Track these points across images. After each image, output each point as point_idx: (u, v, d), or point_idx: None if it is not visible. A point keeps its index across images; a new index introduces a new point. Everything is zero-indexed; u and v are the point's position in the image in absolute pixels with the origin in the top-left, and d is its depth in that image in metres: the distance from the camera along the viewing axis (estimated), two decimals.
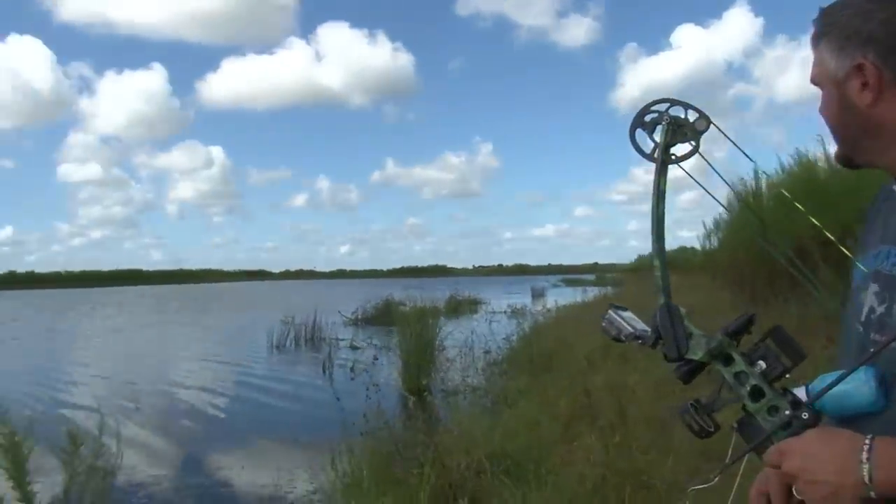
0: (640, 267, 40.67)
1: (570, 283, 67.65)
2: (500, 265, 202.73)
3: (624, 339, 1.05)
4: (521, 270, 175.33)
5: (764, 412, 0.93)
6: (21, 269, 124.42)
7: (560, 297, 31.33)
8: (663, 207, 1.08)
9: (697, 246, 12.85)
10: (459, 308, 29.25)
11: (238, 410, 9.82)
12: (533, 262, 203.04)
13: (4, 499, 2.14)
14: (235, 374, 13.37)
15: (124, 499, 5.64)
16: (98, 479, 1.96)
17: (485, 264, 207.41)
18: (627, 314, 1.09)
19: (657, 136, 1.09)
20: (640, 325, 1.06)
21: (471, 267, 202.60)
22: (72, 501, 1.98)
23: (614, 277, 52.99)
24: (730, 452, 0.97)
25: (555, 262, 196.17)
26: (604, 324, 1.08)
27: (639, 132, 1.11)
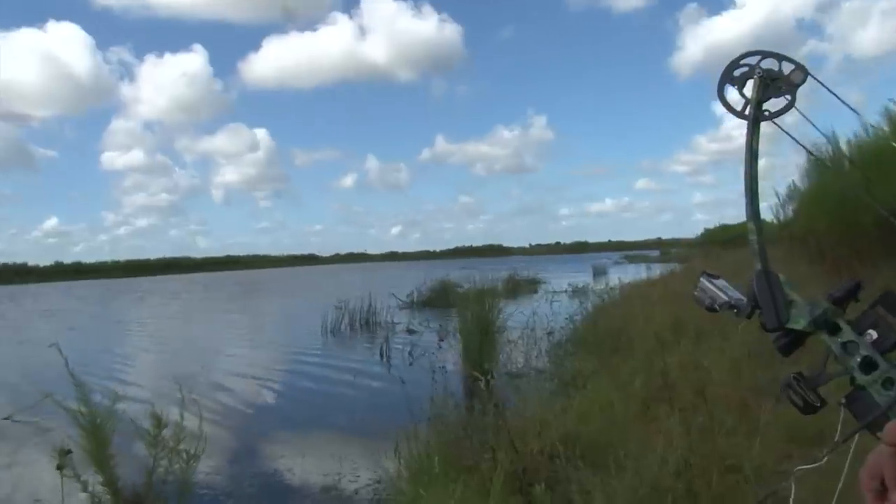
0: (706, 241, 39.82)
1: (633, 259, 66.70)
2: (558, 243, 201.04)
3: (718, 308, 1.03)
4: (581, 248, 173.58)
5: (878, 385, 0.88)
6: (67, 260, 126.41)
7: (623, 274, 30.95)
8: (756, 168, 1.06)
9: (770, 217, 12.49)
10: (518, 289, 29.48)
11: (295, 397, 10.11)
12: (592, 239, 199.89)
13: (88, 483, 2.24)
14: (290, 360, 13.74)
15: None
16: (182, 463, 2.04)
17: (542, 242, 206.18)
18: (721, 282, 1.07)
19: (748, 91, 1.07)
20: (735, 294, 1.04)
21: (527, 245, 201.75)
22: (155, 485, 2.06)
23: (679, 253, 52.15)
24: (839, 430, 0.93)
25: (615, 238, 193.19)
26: (696, 292, 1.06)
27: (727, 87, 1.08)
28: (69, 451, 2.30)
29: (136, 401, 7.35)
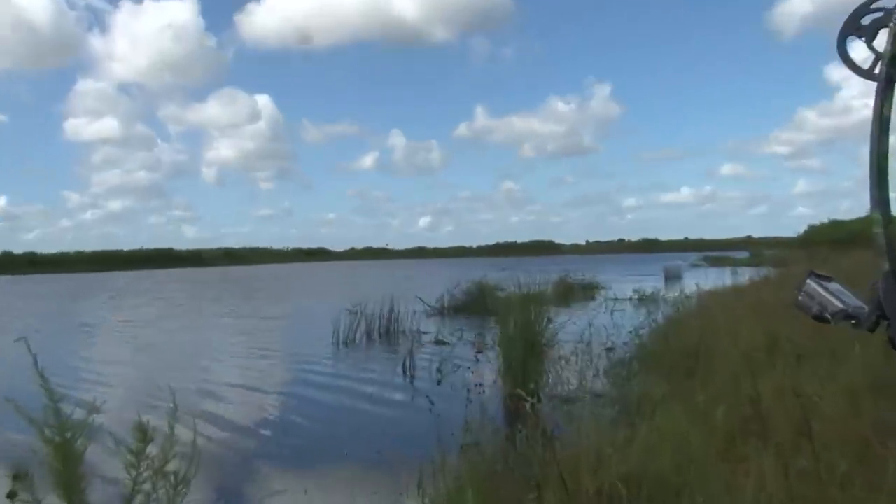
0: (810, 240, 39.22)
1: (715, 262, 66.19)
2: (622, 240, 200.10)
3: (830, 317, 1.01)
4: (650, 247, 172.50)
5: None
6: (18, 250, 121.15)
7: (702, 279, 30.77)
8: (887, 143, 1.01)
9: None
10: (572, 294, 29.67)
11: (299, 419, 10.22)
12: (664, 236, 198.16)
13: None
14: (294, 375, 13.93)
15: None
16: (168, 489, 2.08)
17: (601, 239, 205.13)
18: (834, 285, 1.05)
19: (880, 44, 1.02)
20: (854, 301, 1.01)
21: (583, 243, 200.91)
22: None
23: (775, 255, 51.50)
24: None
25: (693, 235, 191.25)
26: (800, 297, 1.04)
27: (851, 40, 1.04)
28: (25, 475, 2.32)
29: (111, 414, 7.47)
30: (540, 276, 16.97)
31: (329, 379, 13.23)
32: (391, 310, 19.38)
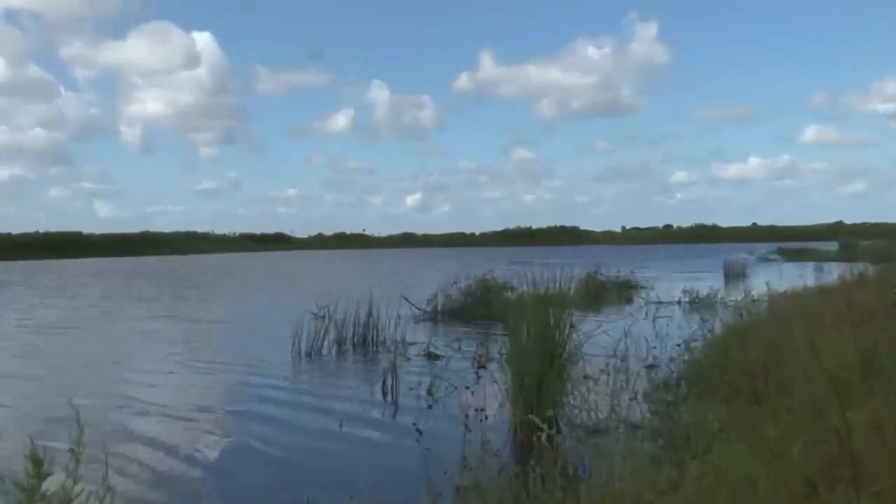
0: None
1: (793, 255, 66.58)
2: (669, 227, 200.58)
3: None
4: (706, 235, 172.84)
5: None
6: None
7: (774, 278, 30.82)
8: None
9: None
10: (602, 295, 29.97)
11: (246, 455, 10.23)
12: (725, 222, 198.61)
13: None
14: (240, 397, 13.95)
15: None
16: None
17: (643, 225, 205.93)
18: None
19: None
20: None
21: (618, 229, 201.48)
22: None
23: (874, 247, 51.41)
24: None
25: (764, 220, 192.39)
26: None
27: None
28: None
29: None
30: (562, 271, 16.96)
31: (287, 402, 13.23)
32: (369, 313, 19.49)
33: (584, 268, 31.42)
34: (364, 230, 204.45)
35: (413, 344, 18.38)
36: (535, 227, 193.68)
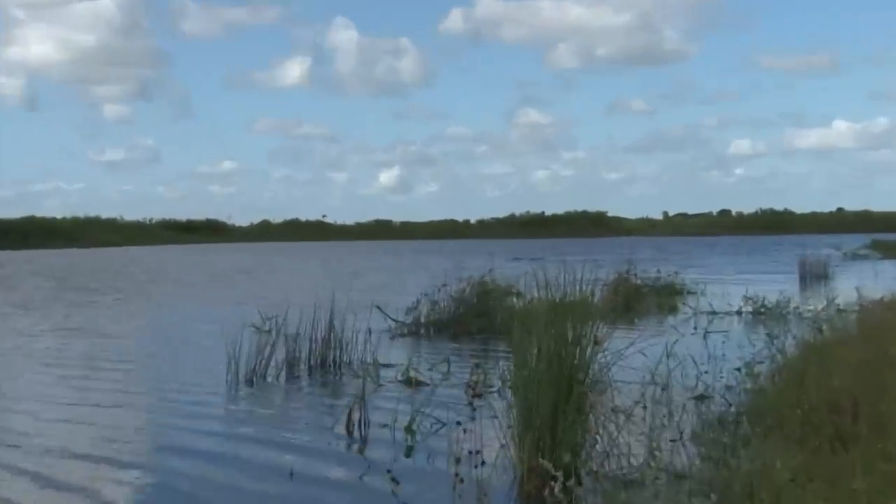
0: None
1: (892, 250, 66.24)
2: (727, 213, 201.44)
3: None
4: (775, 223, 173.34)
5: None
6: None
7: (868, 280, 30.79)
8: None
9: None
10: (637, 302, 30.06)
11: None
12: (801, 207, 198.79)
13: None
14: (156, 438, 13.89)
15: None
16: None
17: (691, 211, 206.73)
18: None
19: None
20: None
21: (658, 216, 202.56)
22: None
23: None
24: None
25: (852, 205, 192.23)
26: None
27: None
28: None
29: None
30: (584, 270, 16.89)
31: (218, 443, 13.16)
32: (330, 326, 19.45)
33: (613, 266, 31.48)
34: (324, 217, 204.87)
35: (388, 366, 18.33)
36: (548, 212, 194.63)
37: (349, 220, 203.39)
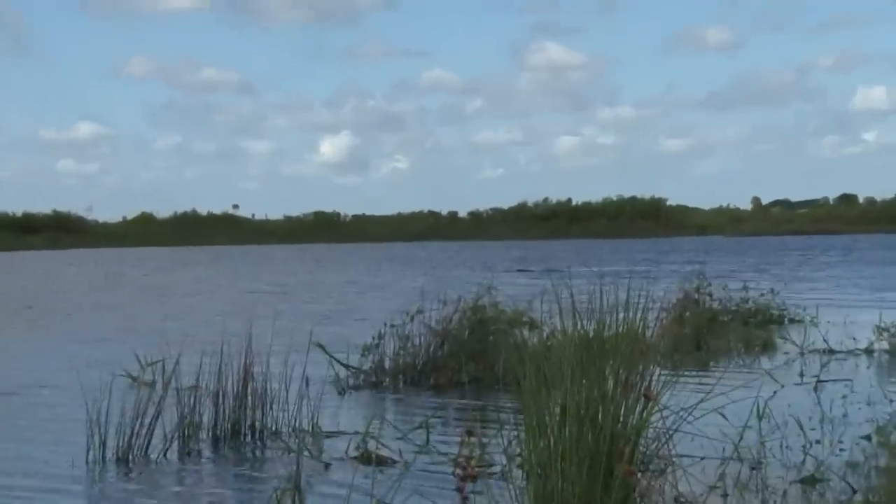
0: None
1: None
2: (850, 198, 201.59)
3: None
4: None
5: None
6: None
7: None
8: None
9: None
10: (712, 335, 29.86)
11: None
12: None
13: None
14: None
15: None
16: None
17: (795, 197, 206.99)
18: None
19: None
20: None
21: (745, 205, 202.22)
22: None
23: None
24: None
25: None
26: None
27: None
28: None
29: None
30: (631, 287, 16.99)
31: None
32: (246, 374, 19.35)
33: (675, 282, 31.55)
34: (235, 207, 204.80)
35: (336, 435, 18.44)
36: (577, 200, 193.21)
37: (273, 213, 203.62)
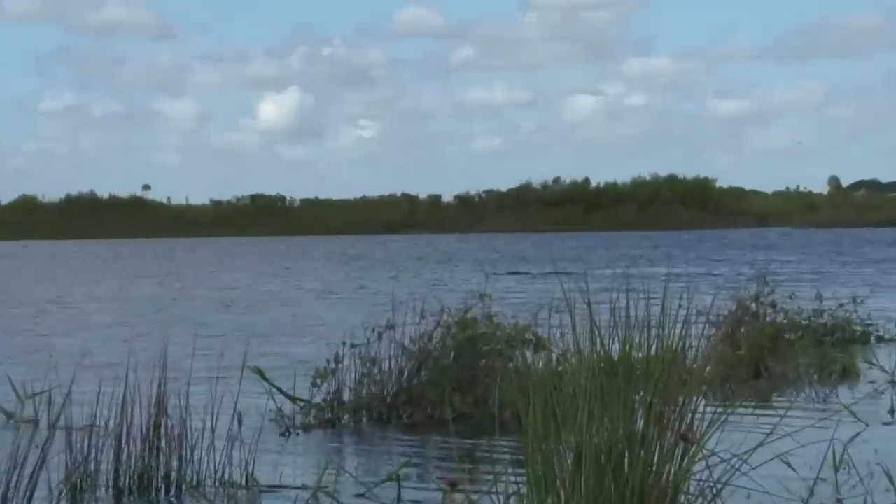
0: None
1: None
2: None
3: None
4: None
5: None
6: None
7: None
8: None
9: None
10: (775, 358, 29.90)
11: None
12: None
13: None
14: None
15: None
16: None
17: (884, 178, 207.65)
18: None
19: None
20: None
21: (821, 188, 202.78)
22: None
23: None
24: None
25: None
26: None
27: None
28: None
29: None
30: (668, 294, 17.06)
31: None
32: (159, 409, 19.34)
33: (725, 285, 31.61)
34: (146, 189, 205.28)
35: (277, 490, 18.47)
36: (597, 181, 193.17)
37: (197, 197, 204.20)
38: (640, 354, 12.77)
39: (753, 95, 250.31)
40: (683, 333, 13.10)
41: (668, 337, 12.78)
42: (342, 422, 24.44)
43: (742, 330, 30.47)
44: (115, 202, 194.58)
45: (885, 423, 21.26)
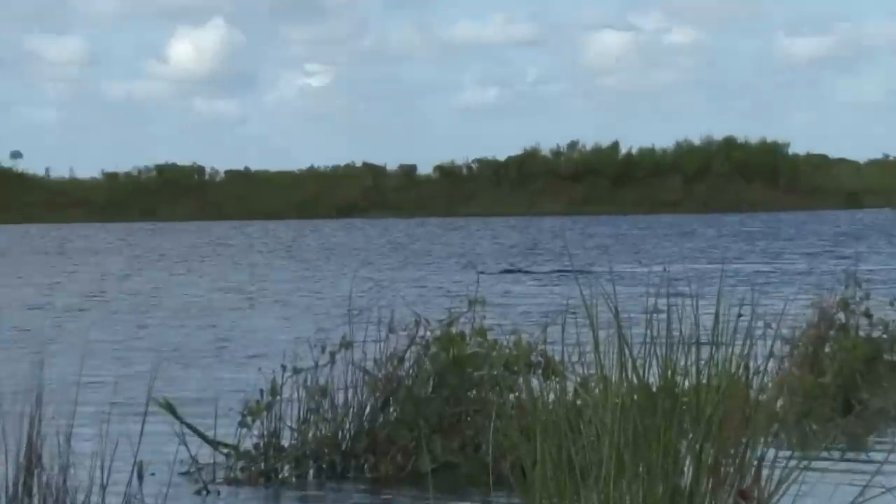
0: None
1: None
2: None
3: None
4: None
5: None
6: None
7: None
8: None
9: None
10: (871, 386, 29.83)
11: None
12: None
13: None
14: None
15: None
16: None
17: None
18: None
19: None
20: None
21: None
22: None
23: None
24: None
25: None
26: None
27: None
28: None
29: None
30: (717, 298, 17.09)
31: None
32: (30, 457, 19.35)
33: (803, 288, 31.76)
34: (15, 156, 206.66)
35: None
36: (628, 147, 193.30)
37: (85, 169, 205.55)
38: (687, 383, 12.74)
39: (838, 31, 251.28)
40: (746, 354, 13.07)
41: (724, 359, 12.76)
42: (280, 475, 24.34)
43: (826, 349, 30.43)
44: None
45: None
